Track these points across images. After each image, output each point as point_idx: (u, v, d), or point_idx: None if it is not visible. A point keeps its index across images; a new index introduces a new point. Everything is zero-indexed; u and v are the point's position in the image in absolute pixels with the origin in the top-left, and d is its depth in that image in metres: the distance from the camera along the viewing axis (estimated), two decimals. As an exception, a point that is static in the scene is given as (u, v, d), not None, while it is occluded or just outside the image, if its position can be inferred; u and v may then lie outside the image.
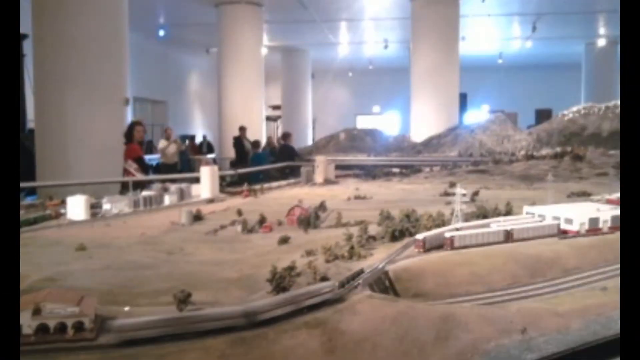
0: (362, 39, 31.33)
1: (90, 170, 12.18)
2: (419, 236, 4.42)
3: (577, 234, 4.77)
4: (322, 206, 7.44)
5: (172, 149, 18.09)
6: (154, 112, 33.61)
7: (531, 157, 14.45)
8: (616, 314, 3.16)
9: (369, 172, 13.85)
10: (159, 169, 18.19)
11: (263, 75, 23.43)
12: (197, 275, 4.22)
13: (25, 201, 9.37)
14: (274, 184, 11.97)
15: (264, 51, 24.14)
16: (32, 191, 11.66)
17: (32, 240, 5.70)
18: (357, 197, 8.92)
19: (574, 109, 22.62)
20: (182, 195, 8.86)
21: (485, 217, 5.41)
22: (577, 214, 4.85)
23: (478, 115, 29.92)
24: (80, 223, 6.97)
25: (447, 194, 8.59)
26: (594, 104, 22.38)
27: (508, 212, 5.63)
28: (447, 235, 4.42)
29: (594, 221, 4.84)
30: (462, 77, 22.76)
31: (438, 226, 4.90)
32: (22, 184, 9.27)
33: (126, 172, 12.29)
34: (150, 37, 27.83)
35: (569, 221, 4.84)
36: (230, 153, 21.02)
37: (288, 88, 35.63)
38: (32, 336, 2.76)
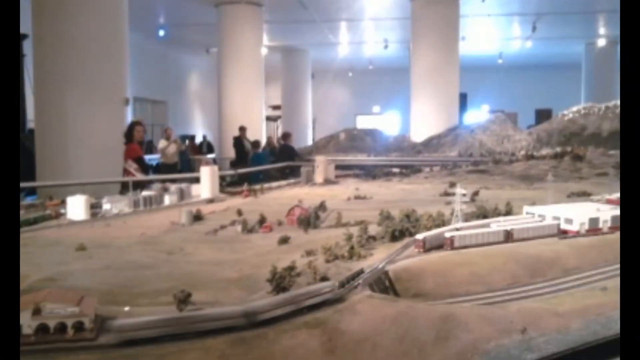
0: (362, 39, 31.33)
1: (90, 170, 12.18)
2: (419, 236, 4.42)
3: (577, 234, 4.77)
4: (322, 206, 7.44)
5: (172, 149, 18.09)
6: (154, 112, 33.61)
7: (531, 157, 14.45)
8: (616, 314, 3.16)
9: (369, 172, 13.84)
10: (159, 169, 18.18)
11: (263, 75, 23.43)
12: (197, 275, 4.22)
13: (25, 201, 9.37)
14: (274, 184, 11.97)
15: (264, 51, 24.14)
16: (32, 191, 11.66)
17: (32, 240, 5.70)
18: (357, 197, 8.92)
19: (574, 109, 22.62)
20: (182, 195, 8.86)
21: (485, 217, 5.41)
22: (577, 214, 4.85)
23: (478, 115, 29.92)
24: (80, 223, 6.97)
25: (447, 194, 8.59)
26: (594, 104, 22.38)
27: (508, 212, 5.63)
28: (447, 235, 4.42)
29: (594, 221, 4.84)
30: (462, 77, 22.76)
31: (438, 226, 4.90)
32: (22, 184, 9.27)
33: (126, 172, 12.29)
34: (150, 37, 27.83)
35: (569, 221, 4.84)
36: (230, 153, 21.02)
37: (288, 88, 35.63)
38: (32, 336, 2.75)
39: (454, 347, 2.83)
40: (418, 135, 22.24)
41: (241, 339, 2.82)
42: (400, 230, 4.87)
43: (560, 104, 26.32)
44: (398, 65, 31.01)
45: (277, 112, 38.27)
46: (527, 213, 5.37)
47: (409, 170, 14.03)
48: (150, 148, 22.75)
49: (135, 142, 13.08)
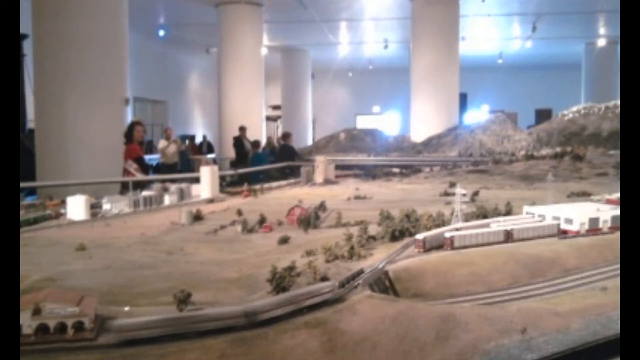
0: (362, 39, 31.34)
1: (90, 170, 12.19)
2: (419, 236, 4.43)
3: (577, 234, 4.77)
4: (322, 206, 7.44)
5: (172, 149, 18.09)
6: (154, 112, 33.62)
7: (531, 157, 14.45)
8: (616, 314, 3.16)
9: (369, 172, 13.85)
10: (159, 169, 18.19)
11: (263, 75, 23.44)
12: (197, 275, 4.22)
13: (25, 201, 9.37)
14: (274, 184, 11.97)
15: (264, 51, 24.14)
16: (32, 191, 11.66)
17: (32, 240, 5.71)
18: (357, 197, 8.92)
19: (574, 109, 22.62)
20: (182, 195, 8.86)
21: (485, 217, 5.41)
22: (577, 214, 4.85)
23: (478, 115, 29.91)
24: (80, 223, 6.97)
25: (447, 194, 8.59)
26: (594, 104, 22.38)
27: (508, 212, 5.63)
28: (447, 235, 4.42)
29: (594, 221, 4.85)
30: (462, 77, 22.77)
31: (438, 226, 4.90)
32: (22, 184, 9.28)
33: (126, 172, 12.28)
34: (150, 37, 27.83)
35: (569, 221, 4.84)
36: (230, 153, 21.02)
37: (288, 88, 35.63)
38: (32, 336, 2.76)
39: (454, 347, 2.83)
40: (418, 135, 22.24)
41: (241, 339, 2.82)
42: (400, 230, 4.87)
43: (560, 104, 26.32)
44: (398, 65, 31.02)
45: (277, 112, 38.28)
46: (527, 213, 5.37)
47: (409, 170, 14.04)
48: (150, 148, 22.75)
49: (135, 142, 13.07)
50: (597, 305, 3.37)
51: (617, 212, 4.86)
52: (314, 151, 21.74)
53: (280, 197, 9.51)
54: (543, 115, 33.70)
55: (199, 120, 38.31)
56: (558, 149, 15.99)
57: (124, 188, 10.37)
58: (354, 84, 41.30)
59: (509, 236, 4.59)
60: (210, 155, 25.14)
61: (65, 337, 2.78)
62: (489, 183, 10.64)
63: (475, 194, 8.11)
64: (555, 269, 4.10)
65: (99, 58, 13.10)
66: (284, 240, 5.28)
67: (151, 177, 12.87)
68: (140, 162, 12.90)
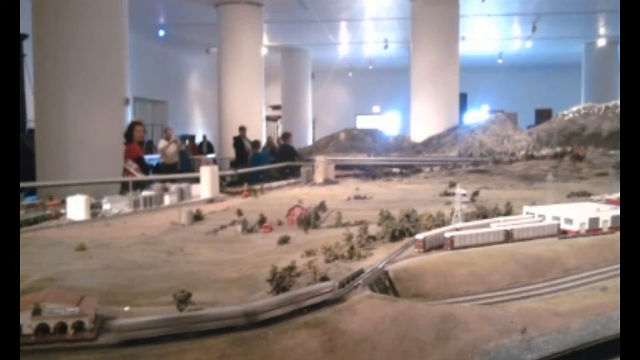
0: (362, 39, 31.33)
1: (90, 170, 12.19)
2: (419, 236, 4.43)
3: (577, 234, 4.77)
4: (322, 206, 7.44)
5: (172, 149, 18.09)
6: (154, 112, 33.62)
7: (531, 157, 14.45)
8: (616, 314, 3.16)
9: (369, 172, 13.85)
10: (159, 169, 18.18)
11: (263, 75, 23.44)
12: (197, 275, 4.22)
13: (25, 201, 9.37)
14: (274, 184, 11.97)
15: (264, 51, 24.14)
16: (32, 191, 11.66)
17: (32, 240, 5.71)
18: (357, 197, 8.92)
19: (574, 109, 22.62)
20: (182, 195, 8.86)
21: (485, 217, 5.41)
22: (577, 214, 4.85)
23: (478, 115, 29.91)
24: (80, 223, 6.97)
25: (447, 194, 8.59)
26: (594, 104, 22.38)
27: (508, 212, 5.63)
28: (447, 235, 4.42)
29: (594, 221, 4.85)
30: (462, 77, 22.76)
31: (438, 226, 4.90)
32: (22, 184, 9.27)
33: (126, 172, 12.28)
34: (150, 37, 27.83)
35: (569, 221, 4.84)
36: (230, 153, 21.02)
37: (288, 88, 35.63)
38: (32, 336, 2.76)
39: (454, 347, 2.83)
40: (418, 135, 22.24)
41: (241, 339, 2.82)
42: (400, 230, 4.87)
43: (560, 104, 26.32)
44: (398, 65, 31.02)
45: (277, 112, 38.28)
46: (527, 213, 5.37)
47: (409, 170, 14.03)
48: (150, 148, 22.75)
49: (135, 142, 13.07)
50: (597, 305, 3.37)
51: (617, 212, 4.86)
52: (314, 151, 21.74)
53: (280, 197, 9.51)
54: (543, 115, 33.70)
55: (199, 120, 38.31)
56: (558, 149, 15.99)
57: (124, 188, 10.37)
58: (354, 84, 41.30)
59: (509, 236, 4.59)
60: (210, 155, 25.14)
61: (65, 337, 2.78)
62: (489, 183, 10.64)
63: (475, 194, 8.11)
64: (555, 269, 4.10)
65: (99, 58, 13.10)
66: (284, 240, 5.28)
67: (151, 177, 12.87)
68: (140, 162, 12.90)
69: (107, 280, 4.05)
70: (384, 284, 3.71)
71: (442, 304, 3.40)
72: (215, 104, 23.80)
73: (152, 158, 19.52)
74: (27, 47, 13.95)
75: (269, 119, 35.48)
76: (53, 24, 12.96)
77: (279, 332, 2.88)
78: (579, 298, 3.58)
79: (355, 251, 4.22)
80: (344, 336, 2.86)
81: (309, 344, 2.80)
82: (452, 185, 9.45)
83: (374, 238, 4.82)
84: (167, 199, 8.51)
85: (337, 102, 42.21)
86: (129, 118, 14.24)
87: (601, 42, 32.86)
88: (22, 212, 7.39)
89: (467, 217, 5.32)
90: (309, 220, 6.21)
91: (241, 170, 13.86)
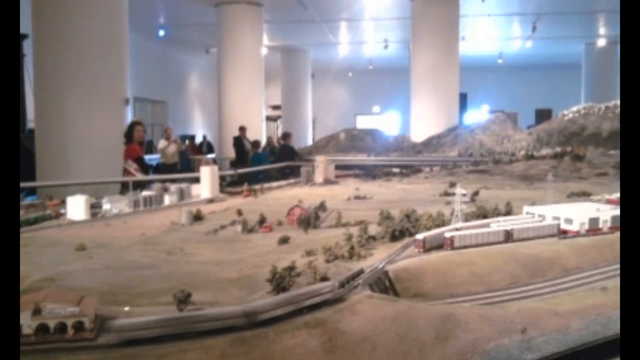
0: (362, 39, 31.33)
1: (90, 170, 12.19)
2: (419, 236, 4.43)
3: (577, 234, 4.77)
4: (322, 206, 7.44)
5: (172, 149, 18.10)
6: (154, 112, 33.62)
7: (531, 157, 14.45)
8: (616, 314, 3.16)
9: (369, 172, 13.85)
10: (159, 169, 18.18)
11: (263, 75, 23.44)
12: (197, 275, 4.22)
13: (25, 201, 9.37)
14: (274, 184, 11.97)
15: (264, 51, 24.14)
16: (32, 191, 11.66)
17: (32, 240, 5.70)
18: (357, 197, 8.92)
19: (574, 109, 22.62)
20: (182, 195, 8.86)
21: (485, 217, 5.41)
22: (577, 214, 4.85)
23: (478, 115, 29.91)
24: (80, 223, 6.97)
25: (447, 194, 8.59)
26: (594, 104, 22.38)
27: (508, 212, 5.63)
28: (447, 235, 4.42)
29: (594, 221, 4.84)
30: (462, 77, 22.76)
31: (438, 226, 4.90)
32: (22, 184, 9.27)
33: (126, 172, 12.28)
34: (150, 37, 27.83)
35: (569, 221, 4.84)
36: (230, 153, 21.02)
37: (288, 88, 35.63)
38: (32, 336, 2.75)
39: (454, 347, 2.83)
40: (418, 135, 22.24)
41: (241, 339, 2.82)
42: (400, 230, 4.87)
43: (560, 104, 26.31)
44: (398, 65, 31.01)
45: (277, 112, 38.27)
46: (527, 213, 5.37)
47: (409, 170, 14.03)
48: (150, 148, 22.75)
49: (135, 142, 13.07)
50: (597, 305, 3.37)
51: (617, 212, 4.86)
52: (314, 151, 21.74)
53: (280, 197, 9.50)
54: (543, 115, 33.71)
55: (199, 120, 38.31)
56: (558, 149, 15.99)
57: (124, 188, 10.37)
58: (354, 84, 41.30)
59: (509, 236, 4.59)
60: (210, 155, 25.14)
61: (65, 337, 2.78)
62: (489, 183, 10.64)
63: (475, 194, 8.11)
64: (555, 269, 4.10)
65: (99, 58, 13.10)
66: (284, 240, 5.28)
67: (151, 177, 12.87)
68: (140, 162, 12.90)
69: (107, 280, 4.05)
70: (384, 284, 3.71)
71: (442, 304, 3.40)
72: (215, 104, 23.80)
73: (152, 158, 19.52)
74: (27, 47, 13.95)
75: (269, 119, 35.48)
76: (53, 24, 12.96)
77: (279, 332, 2.88)
78: (579, 298, 3.58)
79: (355, 251, 4.22)
80: (344, 336, 2.86)
81: (309, 344, 2.80)
82: (452, 185, 9.44)
83: (374, 238, 4.82)
84: (167, 199, 8.51)
85: (337, 102, 42.21)
86: (129, 118, 14.24)
87: (601, 42, 32.86)
88: (22, 212, 7.39)
89: (467, 217, 5.32)
90: (309, 220, 6.21)
91: (241, 170, 13.86)
